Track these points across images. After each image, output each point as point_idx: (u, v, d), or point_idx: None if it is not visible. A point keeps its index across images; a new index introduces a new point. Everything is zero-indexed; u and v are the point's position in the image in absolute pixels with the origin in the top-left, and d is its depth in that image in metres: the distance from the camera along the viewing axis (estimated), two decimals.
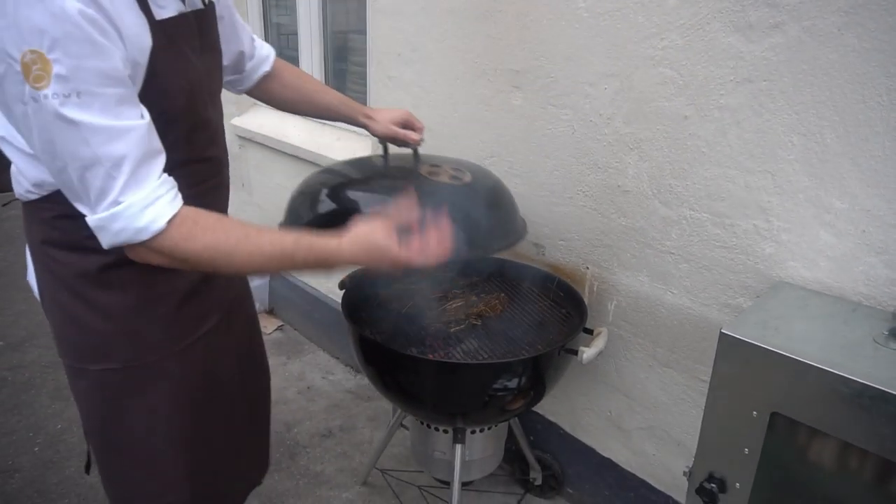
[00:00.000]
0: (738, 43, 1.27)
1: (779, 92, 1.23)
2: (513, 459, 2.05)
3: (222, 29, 1.18)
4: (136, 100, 0.91)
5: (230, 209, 1.27)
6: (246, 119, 2.93)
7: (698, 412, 1.48)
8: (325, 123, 2.62)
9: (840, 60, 1.14)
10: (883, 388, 0.89)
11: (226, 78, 1.30)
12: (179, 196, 0.95)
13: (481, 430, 1.62)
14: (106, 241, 0.92)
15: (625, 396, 1.72)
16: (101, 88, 0.83)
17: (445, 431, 1.60)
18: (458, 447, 1.55)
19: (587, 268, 1.70)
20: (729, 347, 1.06)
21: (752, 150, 1.30)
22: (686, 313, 1.51)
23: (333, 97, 1.42)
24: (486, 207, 1.33)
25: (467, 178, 1.36)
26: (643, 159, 1.49)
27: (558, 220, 1.73)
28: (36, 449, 2.20)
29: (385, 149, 1.45)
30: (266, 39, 2.88)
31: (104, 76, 0.83)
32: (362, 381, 2.61)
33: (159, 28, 0.93)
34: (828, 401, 0.95)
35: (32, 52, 0.78)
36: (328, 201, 1.32)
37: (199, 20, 1.04)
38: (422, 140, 1.41)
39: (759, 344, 1.02)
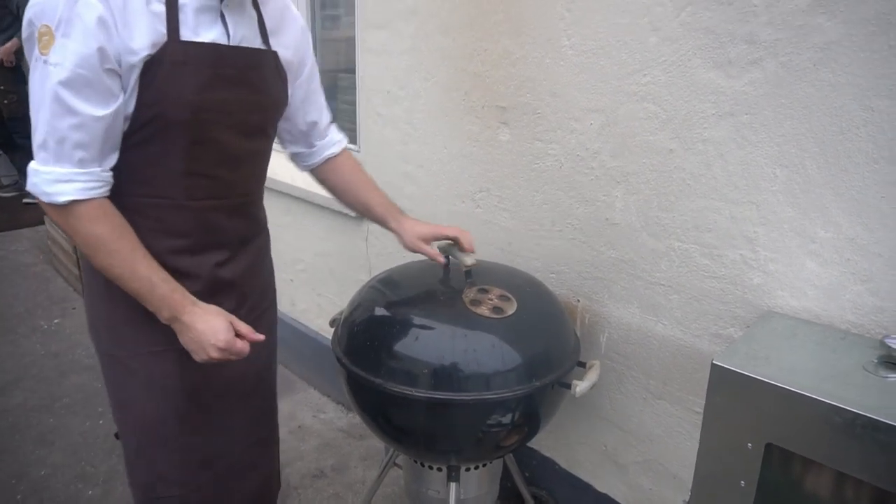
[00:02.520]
0: (719, 78, 1.30)
1: (760, 125, 1.26)
2: (508, 496, 2.02)
3: (295, 91, 1.35)
4: (108, 94, 1.03)
5: None
6: None
7: (694, 444, 1.47)
8: None
9: (817, 94, 1.18)
10: (874, 417, 0.89)
11: (296, 149, 1.48)
12: (101, 191, 1.08)
13: (476, 468, 1.60)
14: (27, 184, 1.07)
15: (619, 430, 1.70)
16: (76, 68, 0.99)
17: (439, 469, 1.58)
18: (453, 485, 1.52)
19: (578, 300, 1.70)
20: (721, 379, 1.06)
21: (737, 182, 1.32)
22: (678, 344, 1.51)
23: (375, 198, 1.50)
24: (526, 341, 1.37)
25: (511, 308, 1.38)
26: (630, 192, 1.51)
27: (548, 253, 1.74)
28: (18, 497, 2.14)
29: (447, 260, 1.49)
30: None
31: (82, 58, 0.99)
32: (354, 420, 2.57)
33: (180, 47, 1.06)
34: (821, 431, 0.95)
35: (45, 26, 0.98)
36: (373, 320, 1.46)
37: (238, 56, 1.15)
38: (473, 263, 1.43)
39: (750, 374, 1.02)
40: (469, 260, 1.44)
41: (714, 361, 1.07)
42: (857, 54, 1.11)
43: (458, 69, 1.81)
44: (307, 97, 1.40)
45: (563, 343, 1.47)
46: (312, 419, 2.60)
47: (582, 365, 1.56)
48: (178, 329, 1.16)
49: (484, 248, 1.88)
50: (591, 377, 1.48)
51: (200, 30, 1.09)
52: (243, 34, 1.16)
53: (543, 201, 1.71)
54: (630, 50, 1.43)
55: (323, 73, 2.60)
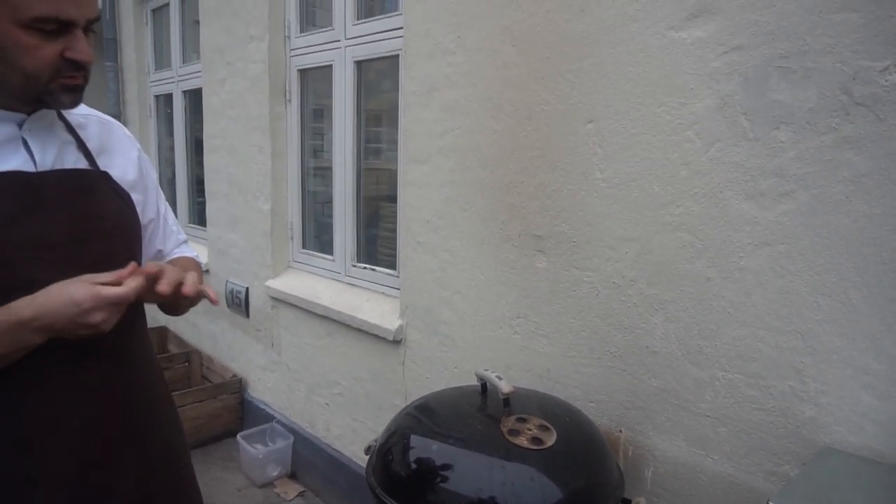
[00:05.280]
0: (752, 209, 1.33)
1: (798, 254, 1.27)
2: None
3: (144, 223, 1.22)
4: None
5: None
6: (279, 281, 3.05)
7: None
8: (355, 285, 2.71)
9: (853, 225, 1.19)
10: None
11: None
12: None
13: None
14: None
15: None
16: None
17: None
18: None
19: (620, 431, 1.64)
20: None
21: (779, 311, 1.30)
22: (729, 481, 1.42)
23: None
24: (567, 475, 1.34)
25: (551, 439, 1.35)
26: (669, 320, 1.49)
27: (587, 380, 1.70)
28: None
29: (483, 388, 1.50)
30: (303, 207, 3.09)
31: None
32: None
33: None
34: None
35: None
36: (410, 448, 1.42)
37: (52, 181, 1.03)
38: (511, 390, 1.39)
39: None
40: (507, 387, 1.42)
41: (770, 503, 1.00)
42: (890, 187, 1.13)
43: (496, 200, 1.89)
44: (154, 230, 1.28)
45: (606, 477, 1.40)
46: None
47: (627, 502, 1.47)
48: (39, 328, 0.93)
49: (522, 374, 1.86)
50: None
51: None
52: (55, 159, 1.06)
53: (581, 328, 1.70)
54: (662, 182, 1.48)
55: (365, 200, 2.75)
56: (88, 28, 1.00)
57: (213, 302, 1.10)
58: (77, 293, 0.93)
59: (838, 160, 1.20)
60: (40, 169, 1.03)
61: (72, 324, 0.93)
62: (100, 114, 1.20)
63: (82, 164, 1.10)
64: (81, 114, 1.14)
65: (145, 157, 1.28)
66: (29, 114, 1.03)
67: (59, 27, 0.94)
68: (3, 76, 0.96)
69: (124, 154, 1.21)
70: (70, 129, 1.11)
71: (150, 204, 1.27)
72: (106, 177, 1.13)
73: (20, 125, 1.02)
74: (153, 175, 1.29)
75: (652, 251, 1.51)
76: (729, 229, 1.37)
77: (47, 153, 1.05)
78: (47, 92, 0.98)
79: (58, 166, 1.06)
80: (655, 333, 1.53)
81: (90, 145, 1.13)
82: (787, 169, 1.27)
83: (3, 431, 1.00)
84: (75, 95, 1.03)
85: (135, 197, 1.18)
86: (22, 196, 0.99)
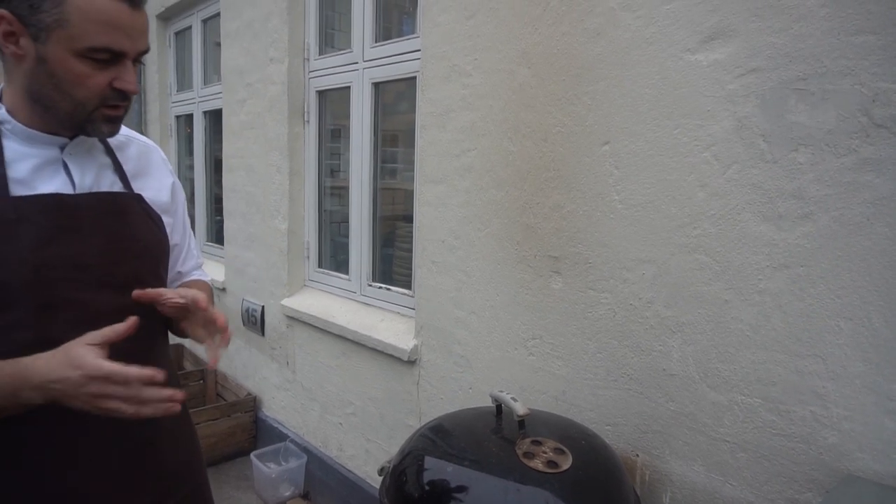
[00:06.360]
0: (770, 231, 1.31)
1: (818, 277, 1.25)
2: None
3: (172, 245, 1.24)
4: None
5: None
6: (295, 300, 3.06)
7: None
8: (370, 305, 2.71)
9: (874, 247, 1.17)
10: None
11: None
12: None
13: None
14: None
15: None
16: None
17: None
18: None
19: (637, 455, 1.62)
20: None
21: (799, 335, 1.28)
22: None
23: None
24: (583, 499, 1.32)
25: (566, 463, 1.34)
26: (687, 342, 1.48)
27: (604, 403, 1.69)
28: None
29: (498, 409, 1.50)
30: (319, 226, 3.12)
31: None
32: None
33: (9, 203, 0.98)
34: None
35: None
36: (424, 470, 1.41)
37: (88, 203, 1.06)
38: (526, 412, 1.37)
39: None
40: (522, 409, 1.41)
41: None
42: None
43: (511, 221, 1.89)
44: (178, 253, 1.31)
45: (623, 503, 1.38)
46: None
47: None
48: (44, 396, 0.90)
49: (537, 396, 1.84)
50: None
51: (38, 183, 1.02)
52: (93, 181, 1.09)
53: (598, 350, 1.69)
54: (679, 204, 1.47)
55: (381, 220, 2.77)
56: (137, 60, 1.03)
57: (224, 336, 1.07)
58: (84, 359, 0.89)
59: (858, 182, 1.19)
60: (78, 191, 1.06)
61: (74, 394, 0.89)
62: (140, 136, 1.25)
63: (118, 186, 1.14)
64: (123, 134, 1.18)
65: (178, 182, 1.32)
66: (71, 138, 1.07)
67: (112, 57, 0.97)
68: (53, 101, 0.99)
69: (159, 178, 1.24)
70: (109, 151, 1.15)
71: (178, 227, 1.30)
72: (139, 199, 1.16)
73: (62, 148, 1.06)
74: (183, 199, 1.33)
75: (669, 273, 1.50)
76: (747, 251, 1.36)
77: (86, 176, 1.08)
78: (90, 120, 1.02)
79: (95, 188, 1.09)
80: (673, 356, 1.51)
81: (127, 168, 1.16)
82: (807, 191, 1.26)
83: (18, 452, 1.00)
84: (115, 126, 1.06)
85: (166, 220, 1.21)
86: (59, 218, 1.02)
